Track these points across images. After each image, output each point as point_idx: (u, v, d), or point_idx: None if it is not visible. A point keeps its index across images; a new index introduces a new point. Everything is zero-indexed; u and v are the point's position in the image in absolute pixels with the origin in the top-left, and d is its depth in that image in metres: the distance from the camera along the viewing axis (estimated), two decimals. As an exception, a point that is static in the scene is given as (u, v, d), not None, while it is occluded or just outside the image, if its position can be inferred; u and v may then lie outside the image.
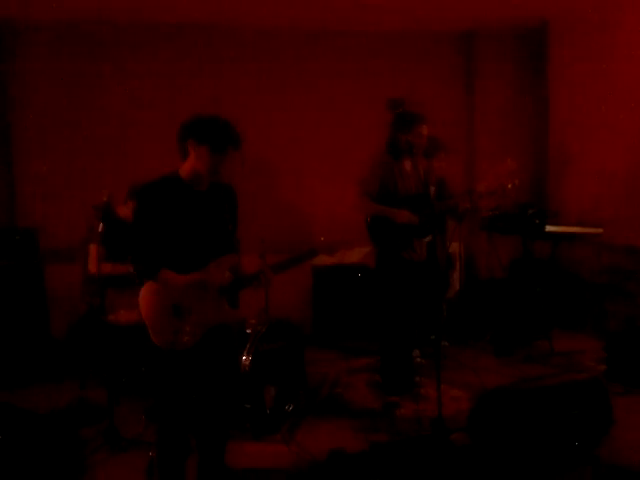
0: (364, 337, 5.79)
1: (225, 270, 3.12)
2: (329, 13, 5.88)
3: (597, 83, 6.00)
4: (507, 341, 5.68)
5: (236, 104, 5.97)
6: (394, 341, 4.47)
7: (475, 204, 4.41)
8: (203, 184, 3.07)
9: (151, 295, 2.96)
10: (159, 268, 2.94)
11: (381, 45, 6.52)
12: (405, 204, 4.33)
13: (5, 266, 5.02)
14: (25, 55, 5.71)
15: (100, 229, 3.82)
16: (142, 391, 3.94)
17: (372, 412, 4.31)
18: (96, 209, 3.87)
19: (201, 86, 5.99)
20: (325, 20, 6.07)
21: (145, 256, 2.95)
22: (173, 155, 3.05)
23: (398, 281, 4.40)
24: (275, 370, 4.16)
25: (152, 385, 3.27)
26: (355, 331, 5.99)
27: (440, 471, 3.38)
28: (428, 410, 4.18)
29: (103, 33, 5.83)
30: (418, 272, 4.39)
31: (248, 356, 3.95)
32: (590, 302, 6.13)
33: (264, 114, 6.13)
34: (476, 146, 6.79)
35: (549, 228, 5.45)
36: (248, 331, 4.09)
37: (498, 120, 6.74)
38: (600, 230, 5.58)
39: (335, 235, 4.86)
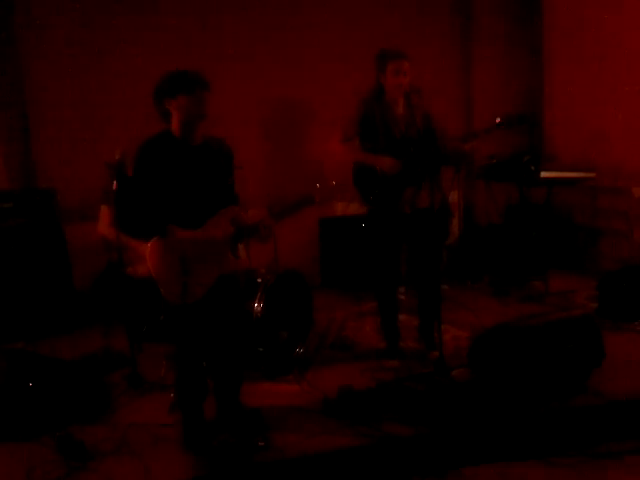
0: (369, 283, 5.86)
1: (227, 222, 3.16)
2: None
3: (591, 28, 5.92)
4: (504, 282, 5.76)
5: (241, 57, 5.93)
6: (380, 294, 4.39)
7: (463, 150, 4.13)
8: (196, 138, 3.09)
9: (157, 251, 3.00)
10: (166, 224, 2.98)
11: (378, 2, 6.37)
12: (388, 149, 3.98)
13: (27, 224, 5.08)
14: (39, 15, 5.60)
15: (114, 187, 3.80)
16: (162, 338, 4.03)
17: (378, 352, 4.39)
18: (109, 167, 3.84)
19: (205, 43, 5.90)
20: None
21: (151, 213, 2.98)
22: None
23: (386, 235, 4.14)
24: (286, 316, 4.24)
25: (169, 333, 3.35)
26: (360, 278, 6.05)
27: (442, 404, 3.48)
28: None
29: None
30: (411, 222, 4.10)
31: (259, 304, 4.02)
32: (584, 244, 6.17)
33: (266, 65, 6.09)
34: (474, 98, 6.72)
35: (544, 174, 5.44)
36: (259, 280, 4.15)
37: (495, 68, 6.66)
38: (593, 174, 5.58)
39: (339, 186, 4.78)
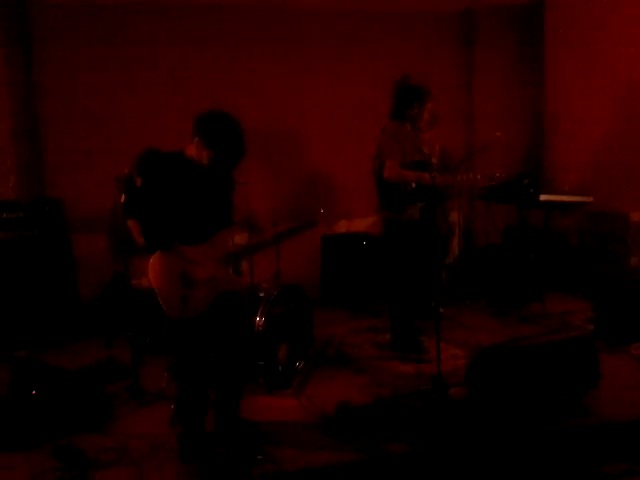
0: (368, 300, 5.92)
1: (229, 240, 3.16)
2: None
3: (590, 56, 5.96)
4: (503, 303, 5.73)
5: (253, 92, 5.96)
6: (403, 302, 4.55)
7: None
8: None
9: (160, 264, 3.00)
10: (172, 240, 2.98)
11: (383, 25, 6.42)
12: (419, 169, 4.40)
13: (36, 235, 5.07)
14: (51, 36, 5.65)
15: (122, 200, 3.79)
16: (164, 350, 4.02)
17: (376, 369, 4.37)
18: (118, 181, 3.84)
19: (213, 62, 6.01)
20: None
21: (159, 227, 2.98)
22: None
23: (410, 245, 4.47)
24: (286, 330, 4.22)
25: (170, 347, 3.34)
26: (360, 295, 6.05)
27: (438, 422, 3.45)
28: (428, 367, 4.24)
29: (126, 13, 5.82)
30: (421, 235, 4.45)
31: (261, 318, 4.00)
32: (581, 266, 6.14)
33: (277, 95, 6.13)
34: (476, 120, 6.75)
35: (543, 197, 5.43)
36: (261, 295, 4.14)
37: (497, 94, 6.68)
38: (591, 198, 5.57)
39: (341, 204, 4.79)
